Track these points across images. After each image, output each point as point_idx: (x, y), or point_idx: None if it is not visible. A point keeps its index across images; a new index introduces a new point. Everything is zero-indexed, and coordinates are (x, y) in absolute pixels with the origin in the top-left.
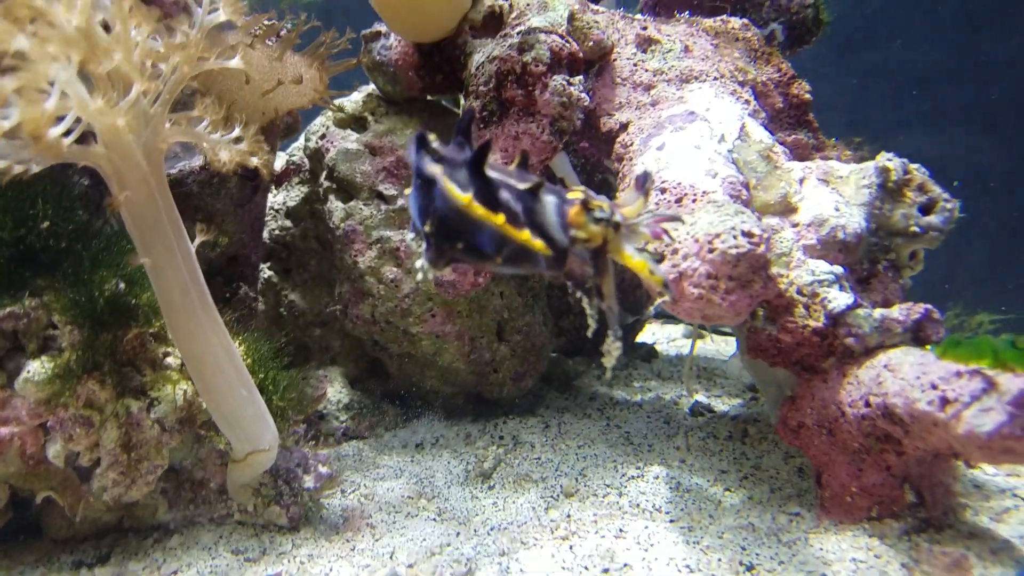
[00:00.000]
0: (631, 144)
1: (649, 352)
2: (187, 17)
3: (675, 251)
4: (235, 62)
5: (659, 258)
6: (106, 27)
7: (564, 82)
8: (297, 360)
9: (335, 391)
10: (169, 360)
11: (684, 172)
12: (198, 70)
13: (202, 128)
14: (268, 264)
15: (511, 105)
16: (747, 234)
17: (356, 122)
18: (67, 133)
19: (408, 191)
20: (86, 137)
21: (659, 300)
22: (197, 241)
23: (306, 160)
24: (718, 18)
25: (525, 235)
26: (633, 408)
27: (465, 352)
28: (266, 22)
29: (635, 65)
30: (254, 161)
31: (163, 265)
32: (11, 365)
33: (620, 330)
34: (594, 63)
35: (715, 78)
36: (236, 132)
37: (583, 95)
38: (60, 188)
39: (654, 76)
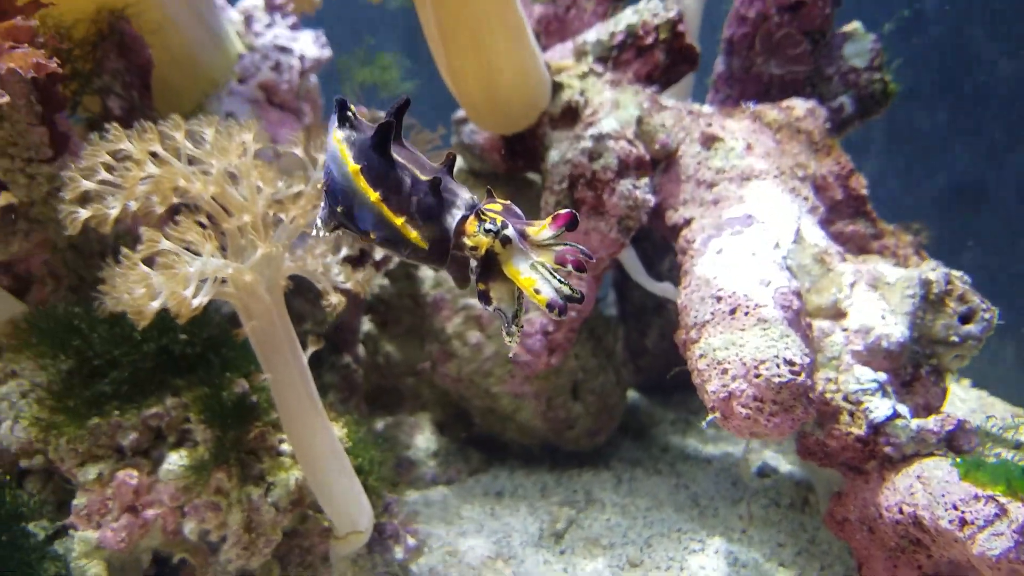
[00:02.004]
0: (693, 241)
1: None
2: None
3: (725, 371)
4: None
5: (568, 288)
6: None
7: (631, 187)
8: (391, 403)
9: (424, 438)
10: (283, 447)
11: (739, 281)
12: (311, 218)
13: (315, 263)
14: (368, 316)
15: (582, 204)
16: (789, 363)
17: None
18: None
19: None
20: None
21: (711, 416)
22: (309, 351)
23: None
24: (783, 106)
25: (399, 221)
26: (702, 464)
27: (542, 411)
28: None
29: (699, 163)
30: (359, 283)
31: (281, 379)
32: (155, 454)
33: (513, 327)
34: (660, 161)
35: (775, 176)
36: (344, 251)
37: (648, 197)
38: None
39: (716, 174)
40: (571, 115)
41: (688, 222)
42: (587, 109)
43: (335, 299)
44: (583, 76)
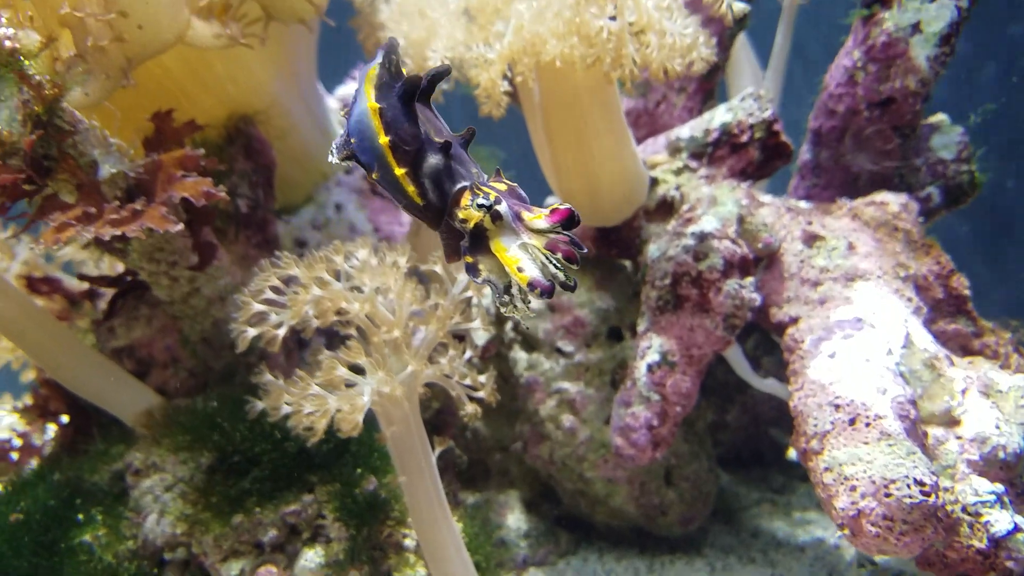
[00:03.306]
0: (801, 341)
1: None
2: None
3: (853, 488)
4: (475, 324)
5: (563, 275)
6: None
7: (737, 286)
8: (478, 477)
9: (515, 518)
10: (407, 542)
11: (856, 389)
12: (449, 329)
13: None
14: None
15: (686, 300)
16: (919, 483)
17: None
18: None
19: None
20: None
21: (839, 533)
22: (437, 451)
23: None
24: (877, 201)
25: (400, 172)
26: (796, 553)
27: (635, 496)
28: None
29: (802, 262)
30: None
31: (414, 481)
32: (289, 548)
33: (506, 297)
34: (763, 259)
35: (879, 276)
36: (468, 354)
37: (754, 296)
38: None
39: (821, 273)
40: (666, 209)
41: (794, 320)
42: (684, 204)
43: (471, 409)
44: (678, 172)
